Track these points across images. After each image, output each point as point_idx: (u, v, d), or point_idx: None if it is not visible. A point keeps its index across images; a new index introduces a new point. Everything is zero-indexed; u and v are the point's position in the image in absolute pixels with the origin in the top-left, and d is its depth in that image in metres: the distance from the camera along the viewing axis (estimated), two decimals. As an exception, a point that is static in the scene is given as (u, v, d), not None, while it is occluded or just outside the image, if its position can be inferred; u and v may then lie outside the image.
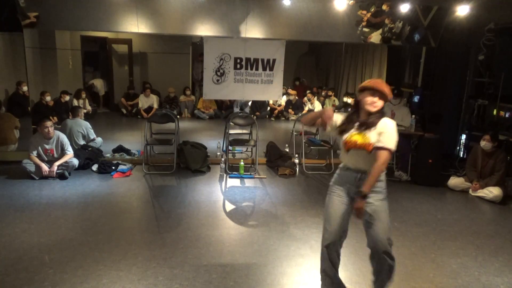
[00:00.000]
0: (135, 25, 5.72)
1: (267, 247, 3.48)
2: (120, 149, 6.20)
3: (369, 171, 2.42)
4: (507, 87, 5.70)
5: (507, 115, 5.76)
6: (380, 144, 2.42)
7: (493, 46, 6.02)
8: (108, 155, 6.02)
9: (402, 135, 5.64)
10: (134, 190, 4.86)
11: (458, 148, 6.68)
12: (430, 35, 6.41)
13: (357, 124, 2.52)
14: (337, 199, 2.59)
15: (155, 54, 11.05)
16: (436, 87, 6.87)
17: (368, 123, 2.48)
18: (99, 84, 10.67)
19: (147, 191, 4.85)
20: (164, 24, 5.84)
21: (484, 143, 4.98)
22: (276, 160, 5.95)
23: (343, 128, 2.56)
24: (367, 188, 2.39)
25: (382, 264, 2.54)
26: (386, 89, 2.50)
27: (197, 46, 10.84)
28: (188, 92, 10.35)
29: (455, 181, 5.31)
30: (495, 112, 5.93)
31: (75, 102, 8.73)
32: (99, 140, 6.24)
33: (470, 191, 5.14)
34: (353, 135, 2.50)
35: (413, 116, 5.80)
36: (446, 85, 6.65)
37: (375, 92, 2.48)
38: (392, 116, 5.78)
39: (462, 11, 5.55)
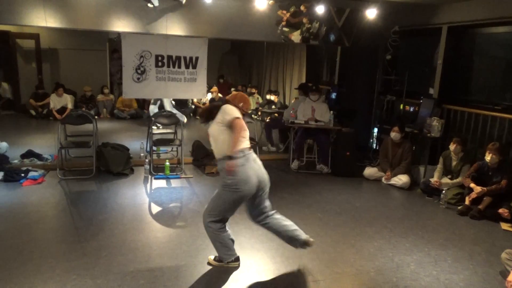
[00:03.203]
0: (43, 19, 5.24)
1: (196, 247, 3.44)
2: (30, 154, 5.65)
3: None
4: (410, 84, 6.32)
5: (411, 109, 6.38)
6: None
7: (398, 46, 6.62)
8: (15, 161, 5.45)
9: (322, 130, 5.97)
10: (48, 198, 4.47)
11: (371, 140, 7.24)
12: (344, 36, 6.84)
13: None
14: None
15: (68, 50, 10.27)
16: (350, 84, 7.36)
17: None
18: (6, 87, 9.65)
19: (63, 198, 4.49)
20: (76, 18, 5.44)
21: (394, 134, 5.47)
22: (202, 159, 5.89)
23: None
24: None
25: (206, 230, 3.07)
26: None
27: (114, 42, 10.29)
28: (106, 91, 9.79)
29: (369, 171, 5.75)
30: (401, 106, 6.53)
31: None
32: (3, 145, 5.61)
33: (383, 180, 5.60)
34: None
35: (331, 112, 6.15)
36: (359, 83, 7.16)
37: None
38: (312, 112, 6.06)
39: (371, 14, 6.00)
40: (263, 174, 3.01)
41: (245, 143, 2.93)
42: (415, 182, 5.50)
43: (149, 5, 5.51)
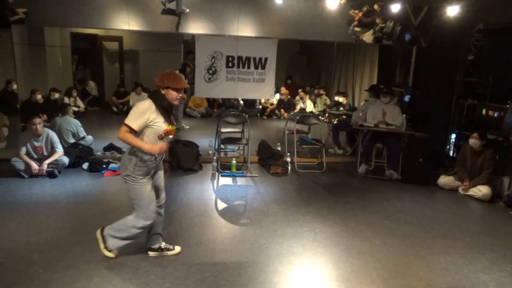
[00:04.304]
0: (126, 22, 5.67)
1: (259, 245, 3.49)
2: (111, 148, 6.15)
3: None
4: (495, 87, 5.78)
5: (495, 115, 5.84)
6: None
7: (482, 46, 6.10)
8: (98, 153, 5.97)
9: (393, 134, 5.71)
10: (124, 188, 4.80)
11: (448, 147, 6.76)
12: (420, 35, 6.47)
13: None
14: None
15: (146, 51, 10.97)
16: (426, 86, 6.93)
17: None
18: (93, 85, 10.61)
19: (138, 190, 4.81)
20: (155, 21, 5.80)
21: (473, 141, 5.06)
22: (268, 159, 5.95)
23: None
24: None
25: None
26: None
27: (188, 44, 10.79)
28: (179, 90, 10.30)
29: (445, 180, 5.37)
30: (484, 111, 6.01)
31: (66, 100, 8.62)
32: (89, 138, 6.18)
33: (460, 190, 5.20)
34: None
35: (404, 115, 5.85)
36: (436, 85, 6.72)
37: None
38: (383, 115, 5.82)
39: (452, 11, 5.61)
40: None
41: None
42: (497, 195, 5.03)
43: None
